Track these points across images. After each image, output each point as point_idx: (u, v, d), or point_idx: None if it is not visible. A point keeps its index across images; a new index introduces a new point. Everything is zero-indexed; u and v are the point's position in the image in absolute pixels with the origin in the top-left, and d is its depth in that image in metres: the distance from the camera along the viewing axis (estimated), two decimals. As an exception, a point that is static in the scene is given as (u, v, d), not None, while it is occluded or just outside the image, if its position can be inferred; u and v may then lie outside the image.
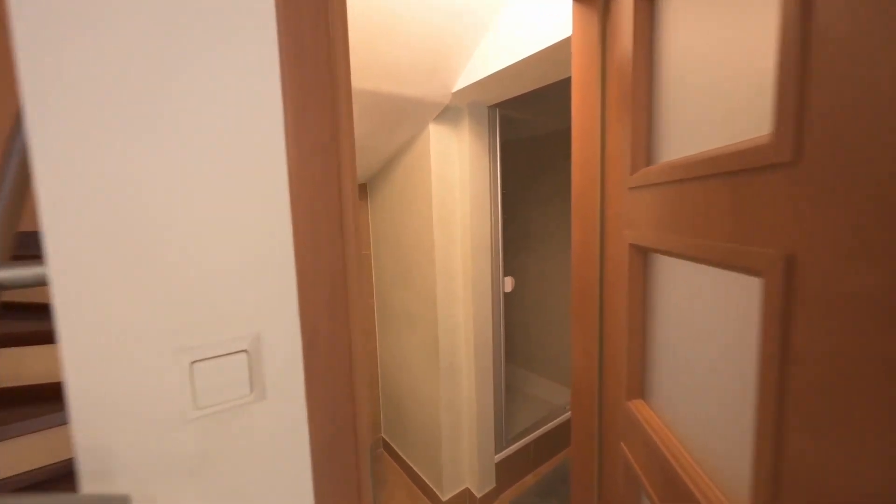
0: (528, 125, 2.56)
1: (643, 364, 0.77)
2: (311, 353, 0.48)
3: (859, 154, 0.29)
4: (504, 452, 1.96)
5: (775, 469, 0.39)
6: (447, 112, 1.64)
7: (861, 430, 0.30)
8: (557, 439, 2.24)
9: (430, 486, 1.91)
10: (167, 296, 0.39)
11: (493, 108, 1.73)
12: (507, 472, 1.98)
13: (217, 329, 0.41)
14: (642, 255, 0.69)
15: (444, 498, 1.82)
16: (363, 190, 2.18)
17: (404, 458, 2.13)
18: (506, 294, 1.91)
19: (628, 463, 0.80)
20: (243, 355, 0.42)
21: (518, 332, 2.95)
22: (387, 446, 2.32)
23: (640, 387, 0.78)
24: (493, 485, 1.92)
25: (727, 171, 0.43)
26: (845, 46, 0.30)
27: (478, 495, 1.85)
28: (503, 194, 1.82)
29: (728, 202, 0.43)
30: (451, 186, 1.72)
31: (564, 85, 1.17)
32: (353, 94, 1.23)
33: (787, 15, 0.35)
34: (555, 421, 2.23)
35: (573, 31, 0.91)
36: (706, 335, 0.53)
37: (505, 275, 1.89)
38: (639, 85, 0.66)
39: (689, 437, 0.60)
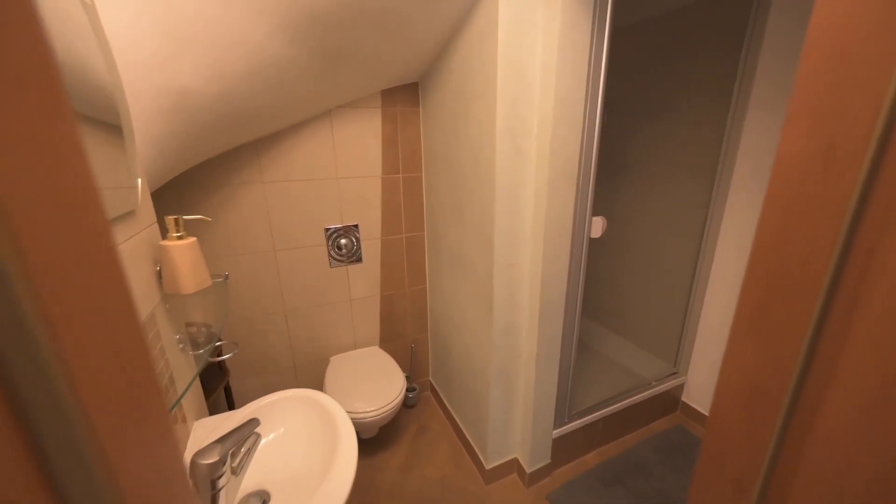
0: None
1: None
2: None
3: None
4: (565, 427, 1.62)
5: None
6: (530, -51, 1.02)
7: None
8: (634, 416, 1.83)
9: (474, 447, 1.68)
10: None
11: (608, -60, 1.05)
12: (567, 447, 1.66)
13: None
14: None
15: (488, 466, 1.58)
16: (413, 92, 1.70)
17: (450, 409, 1.92)
18: (593, 240, 1.39)
19: None
20: None
21: (605, 287, 2.39)
22: (434, 391, 2.13)
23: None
24: (548, 461, 1.62)
25: None
26: None
27: (528, 469, 1.57)
28: (606, 99, 1.21)
29: None
30: (528, 80, 1.16)
31: None
32: None
33: None
34: (636, 396, 1.80)
35: None
36: None
37: (594, 214, 1.35)
38: None
39: None
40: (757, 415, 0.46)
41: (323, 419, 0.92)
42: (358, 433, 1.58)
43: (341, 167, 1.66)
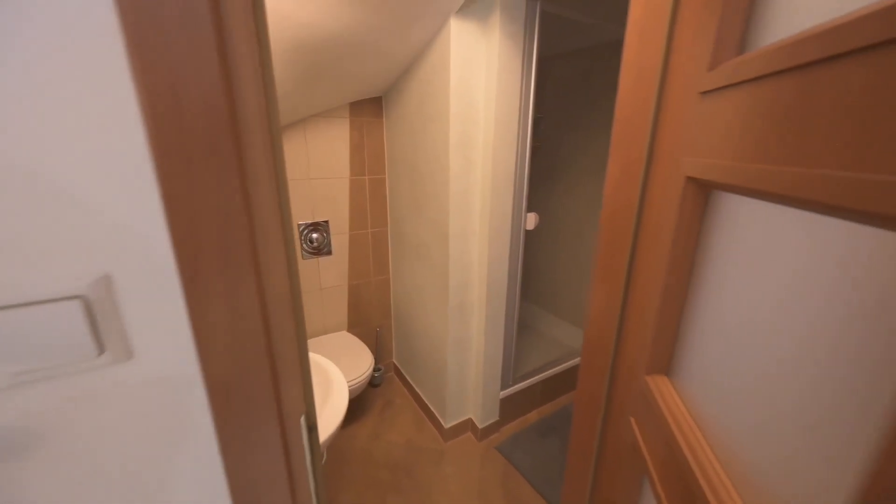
0: (575, 31, 2.11)
1: (675, 333, 0.60)
2: (196, 294, 0.34)
3: None
4: (510, 390, 1.94)
5: None
6: (474, 4, 1.32)
7: None
8: (566, 380, 2.20)
9: (435, 412, 1.95)
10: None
11: (532, 0, 1.38)
12: (512, 407, 1.99)
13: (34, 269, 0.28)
14: (703, 194, 0.48)
15: (447, 425, 1.86)
16: (377, 105, 1.94)
17: (413, 384, 2.18)
18: (528, 232, 1.72)
19: (635, 443, 0.68)
20: (77, 303, 0.29)
21: (540, 272, 2.79)
22: (397, 371, 2.38)
23: (666, 360, 0.63)
24: (496, 418, 1.93)
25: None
26: None
27: (479, 426, 1.87)
28: (535, 117, 1.54)
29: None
30: (475, 103, 1.46)
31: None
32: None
33: None
34: (566, 364, 2.16)
35: None
36: (787, 311, 0.35)
37: (528, 210, 1.68)
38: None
39: (720, 436, 0.46)
40: (605, 330, 0.80)
41: (316, 371, 1.14)
42: (332, 404, 1.79)
43: (313, 169, 1.86)
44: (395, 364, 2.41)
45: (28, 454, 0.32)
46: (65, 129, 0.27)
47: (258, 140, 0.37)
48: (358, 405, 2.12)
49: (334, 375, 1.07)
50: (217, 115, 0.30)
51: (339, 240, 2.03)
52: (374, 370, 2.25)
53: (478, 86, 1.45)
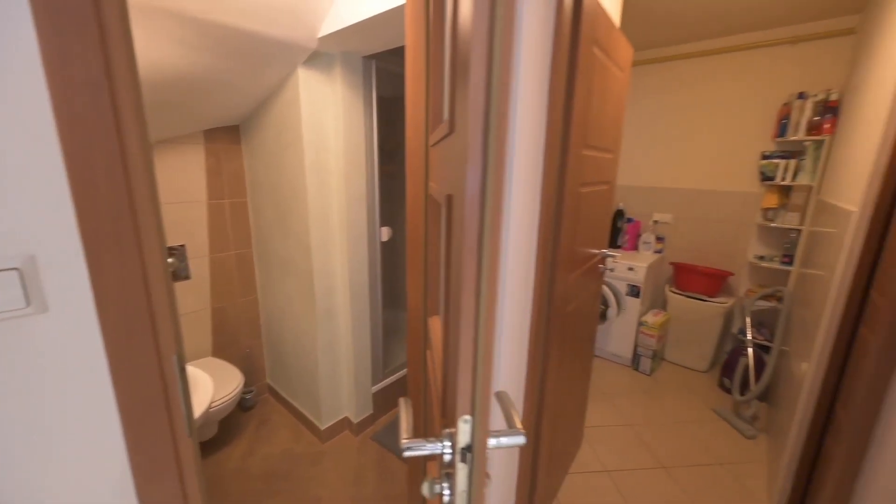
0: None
1: (437, 292, 0.97)
2: (99, 272, 0.53)
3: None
4: (381, 384, 2.19)
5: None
6: (318, 58, 1.61)
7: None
8: (433, 371, 2.56)
9: (311, 418, 2.07)
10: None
11: (368, 59, 1.74)
12: (384, 400, 2.23)
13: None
14: (435, 205, 0.85)
15: (323, 427, 2.00)
16: (235, 133, 2.05)
17: (288, 398, 2.24)
18: (384, 242, 2.04)
19: (427, 368, 1.03)
20: (15, 273, 0.46)
21: (399, 279, 3.13)
22: (272, 391, 2.39)
23: (435, 309, 0.99)
24: (371, 411, 2.15)
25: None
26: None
27: (354, 421, 2.07)
28: (381, 147, 1.89)
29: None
30: (325, 135, 1.73)
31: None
32: (206, 27, 1.15)
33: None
34: (431, 356, 2.53)
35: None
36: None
37: (382, 224, 2.01)
38: (437, 47, 0.78)
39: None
40: (418, 302, 1.13)
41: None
42: (199, 431, 1.77)
43: (166, 194, 1.85)
44: (269, 385, 2.42)
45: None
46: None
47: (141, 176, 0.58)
48: (230, 429, 2.08)
49: (198, 375, 1.16)
50: (114, 154, 0.52)
51: (199, 263, 2.03)
52: (246, 392, 2.24)
53: (327, 121, 1.73)
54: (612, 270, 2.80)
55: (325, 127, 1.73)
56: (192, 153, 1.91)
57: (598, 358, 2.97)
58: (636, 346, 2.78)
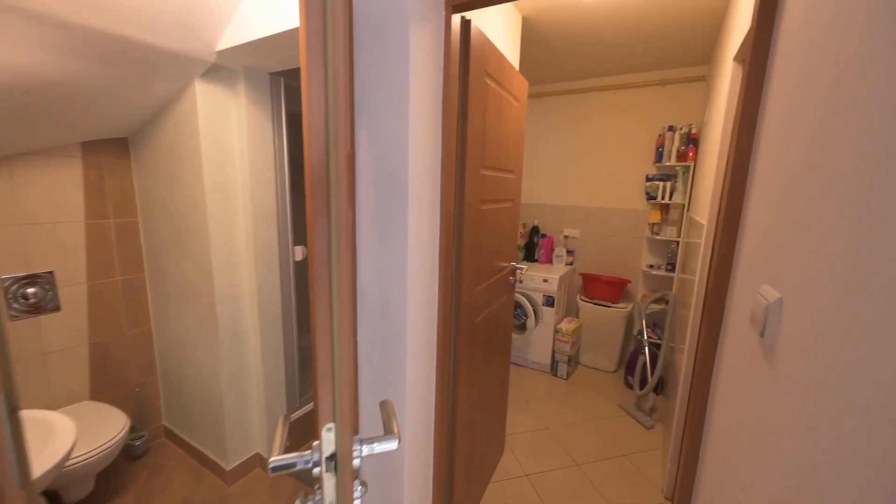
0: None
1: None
2: None
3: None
4: (299, 411, 2.06)
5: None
6: (219, 72, 1.55)
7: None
8: (357, 394, 2.47)
9: (215, 459, 1.86)
10: None
11: (275, 75, 1.71)
12: (302, 430, 2.10)
13: None
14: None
15: (229, 467, 1.81)
16: (123, 145, 1.86)
17: (188, 440, 2.00)
18: (298, 262, 1.96)
19: None
20: None
21: None
22: (169, 434, 2.12)
23: None
24: (288, 443, 1.99)
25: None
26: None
27: (268, 457, 1.90)
28: (296, 163, 1.84)
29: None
30: (229, 151, 1.65)
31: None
32: (74, 31, 1.05)
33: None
34: (355, 378, 2.44)
35: (300, 22, 1.00)
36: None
37: (296, 243, 1.94)
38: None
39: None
40: (323, 316, 1.09)
41: (33, 425, 1.03)
42: (71, 488, 1.51)
43: (26, 213, 1.60)
44: (165, 427, 2.14)
45: None
46: None
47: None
48: (111, 483, 1.78)
49: (57, 420, 0.99)
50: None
51: (73, 292, 1.76)
52: (135, 437, 1.95)
53: (230, 136, 1.65)
54: (520, 282, 2.98)
55: (228, 142, 1.64)
56: (65, 167, 1.69)
57: (520, 367, 3.11)
58: (554, 352, 2.97)
